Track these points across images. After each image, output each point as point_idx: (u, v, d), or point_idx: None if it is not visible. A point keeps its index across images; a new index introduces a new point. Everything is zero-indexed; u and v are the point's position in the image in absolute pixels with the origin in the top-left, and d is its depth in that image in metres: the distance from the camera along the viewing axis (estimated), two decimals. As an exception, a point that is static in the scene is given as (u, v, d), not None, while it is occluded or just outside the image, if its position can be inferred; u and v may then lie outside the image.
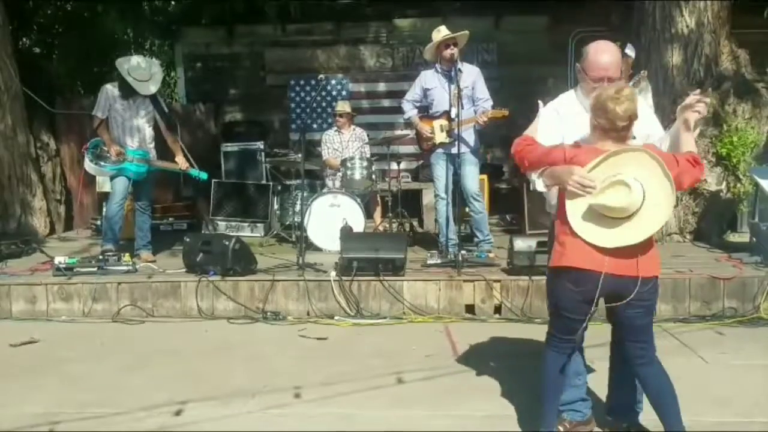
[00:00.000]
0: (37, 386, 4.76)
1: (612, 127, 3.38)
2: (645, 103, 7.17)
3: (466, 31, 7.22)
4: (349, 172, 8.40)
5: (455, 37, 7.09)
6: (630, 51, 7.41)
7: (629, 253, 3.35)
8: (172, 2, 12.50)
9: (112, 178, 7.33)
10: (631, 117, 3.37)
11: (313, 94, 11.21)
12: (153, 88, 7.28)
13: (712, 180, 8.11)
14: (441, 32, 7.15)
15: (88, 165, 7.36)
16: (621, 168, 3.31)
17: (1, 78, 9.09)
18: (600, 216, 3.33)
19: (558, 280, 3.54)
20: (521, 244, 6.49)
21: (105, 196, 8.79)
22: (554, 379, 3.68)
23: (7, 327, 6.23)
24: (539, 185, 3.72)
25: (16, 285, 6.61)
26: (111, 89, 7.27)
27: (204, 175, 7.77)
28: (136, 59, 7.37)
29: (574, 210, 3.41)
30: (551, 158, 3.52)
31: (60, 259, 6.85)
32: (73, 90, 11.88)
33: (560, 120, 3.79)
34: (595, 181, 3.33)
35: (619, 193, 3.26)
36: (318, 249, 7.84)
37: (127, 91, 7.22)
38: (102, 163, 7.26)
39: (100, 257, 6.97)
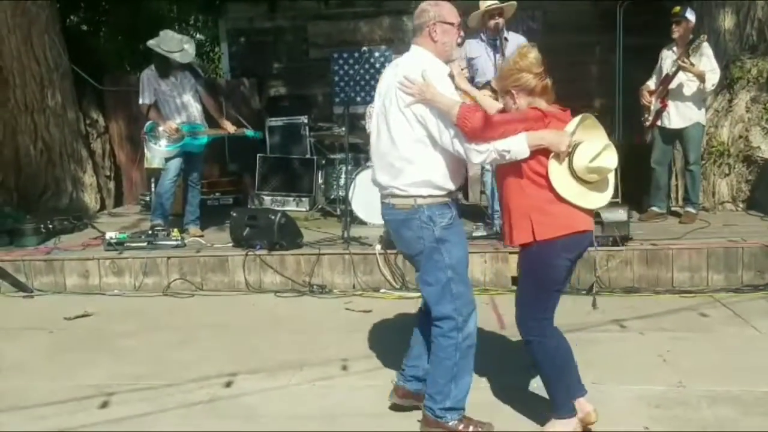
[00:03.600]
0: (91, 359, 4.88)
1: (536, 77, 3.42)
2: (706, 68, 7.03)
3: (514, 2, 7.07)
4: (393, 145, 8.35)
5: (502, 7, 6.96)
6: (690, 15, 7.22)
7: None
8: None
9: (174, 157, 7.42)
10: (542, 63, 3.45)
11: (357, 66, 11.15)
12: (188, 55, 7.30)
13: (766, 147, 7.90)
14: (487, 1, 7.02)
15: (152, 149, 7.39)
16: (592, 132, 3.41)
17: (51, 56, 9.24)
18: (579, 179, 3.36)
19: (553, 252, 3.39)
20: (568, 215, 6.41)
21: (153, 172, 8.91)
22: (562, 365, 3.57)
23: (62, 300, 6.38)
24: (517, 152, 3.33)
25: (70, 260, 6.75)
26: (150, 73, 7.32)
27: (258, 134, 7.86)
28: (164, 32, 7.40)
29: (558, 175, 3.36)
30: (528, 123, 3.37)
31: (111, 234, 6.98)
32: (121, 67, 12.01)
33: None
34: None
35: (613, 155, 3.37)
36: (363, 222, 7.84)
37: (165, 68, 7.25)
38: (162, 143, 7.33)
39: (150, 232, 7.08)
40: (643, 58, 7.91)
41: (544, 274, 3.45)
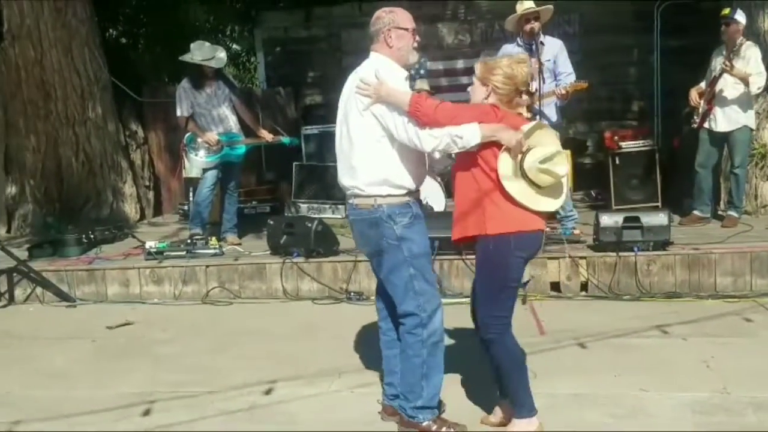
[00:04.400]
0: (133, 367, 4.93)
1: (515, 91, 3.49)
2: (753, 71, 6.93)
3: (550, 6, 7.00)
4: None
5: (538, 11, 6.90)
6: (740, 16, 7.10)
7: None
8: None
9: (213, 168, 7.48)
10: (529, 82, 3.53)
11: (391, 73, 11.15)
12: (221, 61, 7.40)
13: (813, 149, 7.75)
14: (524, 5, 6.95)
15: (193, 160, 7.48)
16: (545, 139, 3.48)
17: (91, 69, 9.40)
18: (529, 180, 3.39)
19: (507, 250, 3.42)
20: (607, 219, 6.36)
21: (191, 182, 9.00)
22: (522, 361, 3.59)
23: (104, 309, 6.46)
24: (469, 138, 3.38)
25: (111, 269, 6.85)
26: (186, 85, 7.41)
27: (295, 141, 7.92)
28: (194, 44, 7.49)
29: (507, 172, 3.40)
30: (480, 114, 3.42)
31: (151, 244, 7.06)
32: (159, 78, 12.18)
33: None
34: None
35: (564, 162, 3.45)
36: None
37: (199, 79, 7.34)
38: (202, 154, 7.42)
39: (189, 241, 7.15)
40: (682, 60, 7.83)
41: (501, 272, 3.48)
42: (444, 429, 3.63)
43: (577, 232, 6.94)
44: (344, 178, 3.71)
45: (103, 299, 6.74)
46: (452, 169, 3.66)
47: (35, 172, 9.37)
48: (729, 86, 7.17)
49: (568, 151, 3.53)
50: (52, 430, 3.92)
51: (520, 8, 6.93)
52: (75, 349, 5.35)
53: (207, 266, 6.72)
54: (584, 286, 6.29)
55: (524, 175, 3.39)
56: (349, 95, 3.67)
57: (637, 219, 6.31)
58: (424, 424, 3.62)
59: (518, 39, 7.13)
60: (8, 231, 9.27)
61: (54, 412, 4.13)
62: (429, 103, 3.41)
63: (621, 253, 6.19)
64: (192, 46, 7.42)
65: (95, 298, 6.74)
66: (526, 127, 3.45)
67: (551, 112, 7.02)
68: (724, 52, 7.21)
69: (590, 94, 7.06)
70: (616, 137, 8.70)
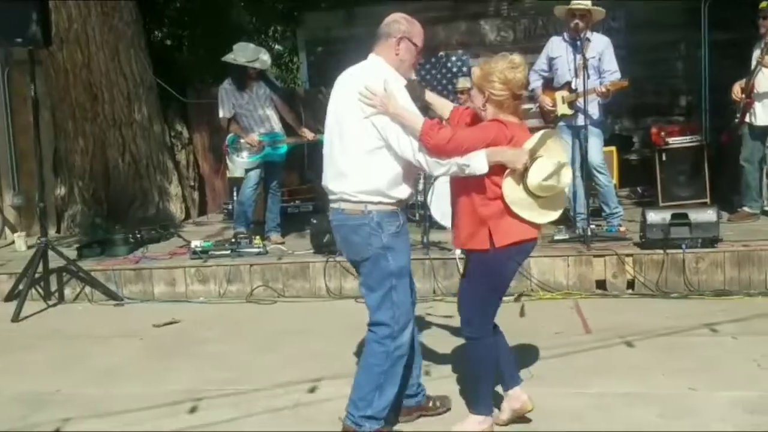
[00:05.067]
0: (179, 365, 4.99)
1: (512, 97, 3.45)
2: None
3: (603, 9, 6.87)
4: (472, 149, 8.28)
5: (589, 9, 6.78)
6: None
7: None
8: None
9: (256, 168, 7.55)
10: (526, 86, 3.53)
11: (433, 71, 11.14)
12: (265, 63, 7.44)
13: None
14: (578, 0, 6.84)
15: (235, 161, 7.58)
16: (551, 148, 3.48)
17: (137, 71, 9.53)
18: (531, 194, 3.43)
19: (508, 258, 3.51)
20: (654, 216, 6.26)
21: (235, 182, 9.08)
22: (495, 363, 3.64)
23: (150, 308, 6.55)
24: (476, 168, 3.37)
25: (157, 269, 6.94)
26: (228, 87, 7.47)
27: None
28: (237, 45, 7.54)
29: (511, 189, 3.43)
30: (492, 138, 3.39)
31: (196, 243, 7.14)
32: (203, 79, 12.30)
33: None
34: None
35: (567, 173, 3.51)
36: (442, 227, 7.79)
37: (241, 80, 7.40)
38: (245, 155, 7.49)
39: (233, 240, 7.21)
40: (730, 54, 7.67)
41: (498, 278, 3.57)
42: None
43: (623, 229, 6.85)
44: (332, 183, 3.62)
45: (150, 298, 6.83)
46: (452, 180, 3.65)
47: (83, 174, 9.54)
48: (766, 79, 7.06)
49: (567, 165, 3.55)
50: (101, 429, 3.98)
51: (573, 2, 6.82)
52: (123, 348, 5.44)
53: (251, 265, 6.77)
54: (631, 284, 6.21)
55: (527, 191, 3.42)
56: (346, 98, 3.59)
57: (685, 216, 6.21)
58: None
59: (565, 33, 7.06)
60: (58, 231, 9.46)
61: (103, 410, 4.20)
62: (442, 134, 3.35)
63: (668, 251, 6.09)
64: (235, 47, 7.48)
65: (142, 297, 6.84)
66: (531, 142, 3.44)
67: (594, 110, 6.93)
68: (762, 46, 7.10)
69: (636, 89, 6.97)
70: (663, 133, 8.56)
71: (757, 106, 7.22)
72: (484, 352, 3.60)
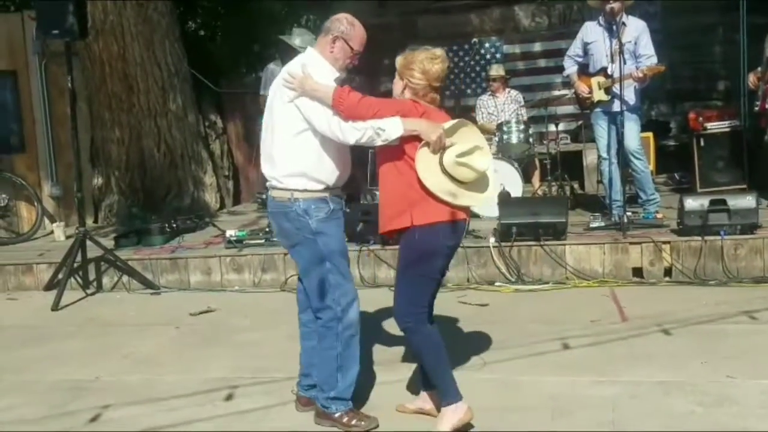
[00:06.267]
0: (215, 353, 5.04)
1: (429, 87, 3.54)
2: None
3: None
4: (505, 137, 8.26)
5: None
6: None
7: None
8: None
9: None
10: (444, 78, 3.60)
11: (467, 58, 11.07)
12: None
13: None
14: None
15: None
16: (467, 135, 3.52)
17: (171, 61, 9.60)
18: (449, 175, 3.45)
19: (434, 239, 3.48)
20: (692, 203, 6.17)
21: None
22: (441, 348, 3.60)
23: (187, 297, 6.62)
24: (392, 132, 3.43)
25: (193, 258, 7.00)
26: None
27: None
28: (299, 29, 7.58)
29: (426, 167, 3.44)
30: (402, 108, 3.48)
31: (231, 233, 7.19)
32: (236, 69, 12.36)
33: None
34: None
35: (484, 157, 3.50)
36: (476, 215, 7.76)
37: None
38: None
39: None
40: (770, 37, 7.52)
41: (425, 262, 3.52)
42: (354, 421, 3.69)
43: (660, 216, 6.76)
44: (265, 168, 3.74)
45: (186, 287, 6.90)
46: (377, 162, 3.69)
47: (120, 164, 9.64)
48: None
49: (487, 148, 3.60)
50: (140, 415, 4.04)
51: None
52: (160, 336, 5.50)
53: (285, 254, 6.78)
54: (668, 272, 6.13)
55: (444, 171, 3.44)
56: (275, 86, 3.71)
57: (723, 202, 6.11)
58: (336, 415, 3.70)
59: (600, 17, 6.98)
60: (95, 221, 9.58)
61: (141, 397, 4.26)
62: (352, 96, 3.46)
63: (707, 237, 6.01)
64: (295, 30, 7.55)
65: (178, 285, 6.91)
66: (448, 123, 3.51)
67: (630, 95, 6.85)
68: None
69: (673, 74, 6.90)
70: (700, 118, 8.42)
71: None
72: (422, 339, 3.59)
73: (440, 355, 3.59)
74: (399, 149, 3.50)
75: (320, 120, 3.53)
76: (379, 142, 3.49)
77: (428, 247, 3.50)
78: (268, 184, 3.75)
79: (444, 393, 3.58)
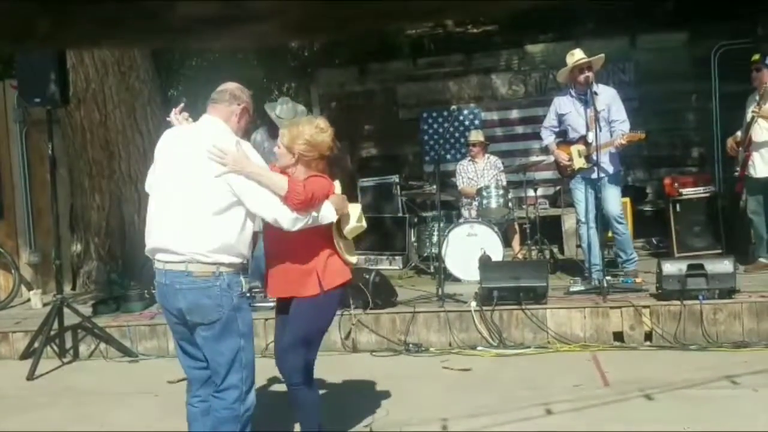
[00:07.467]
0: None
1: (320, 157, 3.72)
2: None
3: (602, 55, 7.02)
4: (485, 201, 8.35)
5: (590, 61, 6.92)
6: None
7: None
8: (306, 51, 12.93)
9: None
10: (332, 147, 3.79)
11: (446, 125, 11.23)
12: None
13: None
14: (575, 56, 6.97)
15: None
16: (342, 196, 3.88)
17: (153, 128, 9.63)
18: (343, 238, 3.83)
19: (335, 300, 3.84)
20: (670, 267, 6.23)
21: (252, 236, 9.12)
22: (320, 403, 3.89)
23: (165, 364, 6.47)
24: (328, 217, 3.66)
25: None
26: (263, 134, 7.60)
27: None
28: (283, 98, 7.69)
29: (339, 235, 3.79)
30: (329, 191, 3.72)
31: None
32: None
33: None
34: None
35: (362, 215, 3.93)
36: (457, 279, 7.80)
37: (274, 129, 7.52)
38: None
39: (248, 295, 7.17)
40: (742, 105, 7.71)
41: (325, 320, 3.87)
42: None
43: (639, 280, 6.81)
44: (173, 243, 3.52)
45: (165, 354, 6.81)
46: (268, 235, 3.80)
47: (99, 230, 9.58)
48: (763, 130, 7.11)
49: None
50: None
51: (571, 60, 6.96)
52: (138, 405, 5.41)
53: (266, 319, 6.74)
54: (648, 336, 6.15)
55: (341, 235, 3.78)
56: (192, 156, 3.55)
57: (701, 266, 6.17)
58: None
59: (571, 90, 7.14)
60: (73, 288, 9.48)
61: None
62: (306, 192, 3.50)
63: (686, 302, 6.04)
64: (280, 100, 7.65)
65: (157, 352, 6.82)
66: (338, 189, 3.80)
67: (610, 161, 6.98)
68: (757, 98, 7.17)
69: (649, 141, 7.00)
70: (676, 184, 8.56)
71: (756, 157, 7.26)
72: (311, 396, 3.84)
73: (320, 409, 3.96)
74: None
75: (261, 206, 3.51)
76: (310, 226, 3.60)
77: (330, 306, 3.90)
78: (178, 258, 3.49)
79: None
